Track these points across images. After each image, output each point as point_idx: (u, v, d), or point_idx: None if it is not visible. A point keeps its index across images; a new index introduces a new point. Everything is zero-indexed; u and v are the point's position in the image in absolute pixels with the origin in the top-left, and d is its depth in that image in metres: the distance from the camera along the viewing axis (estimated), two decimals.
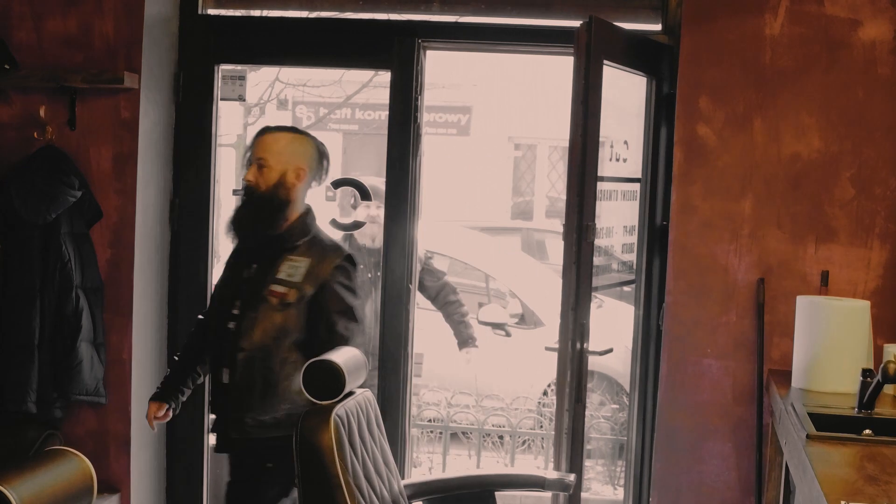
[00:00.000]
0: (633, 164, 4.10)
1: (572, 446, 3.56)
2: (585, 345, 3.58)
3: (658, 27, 4.15)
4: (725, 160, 3.96)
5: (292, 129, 3.51)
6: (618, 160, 4.02)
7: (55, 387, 3.98)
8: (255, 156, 3.40)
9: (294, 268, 3.34)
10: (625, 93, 3.97)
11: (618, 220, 4.04)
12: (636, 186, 4.11)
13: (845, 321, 3.54)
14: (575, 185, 3.55)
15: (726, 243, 3.97)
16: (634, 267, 4.18)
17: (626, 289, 4.57)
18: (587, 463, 6.63)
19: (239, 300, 3.38)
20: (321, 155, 3.45)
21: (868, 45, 3.88)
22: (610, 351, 3.84)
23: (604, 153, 3.82)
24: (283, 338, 3.31)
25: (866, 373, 3.18)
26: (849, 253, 3.91)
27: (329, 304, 3.31)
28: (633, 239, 4.16)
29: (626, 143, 4.06)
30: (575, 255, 3.55)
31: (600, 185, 3.72)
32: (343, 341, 3.24)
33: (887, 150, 3.90)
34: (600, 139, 3.69)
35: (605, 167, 3.84)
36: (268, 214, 3.36)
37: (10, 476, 1.58)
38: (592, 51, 3.53)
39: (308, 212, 3.44)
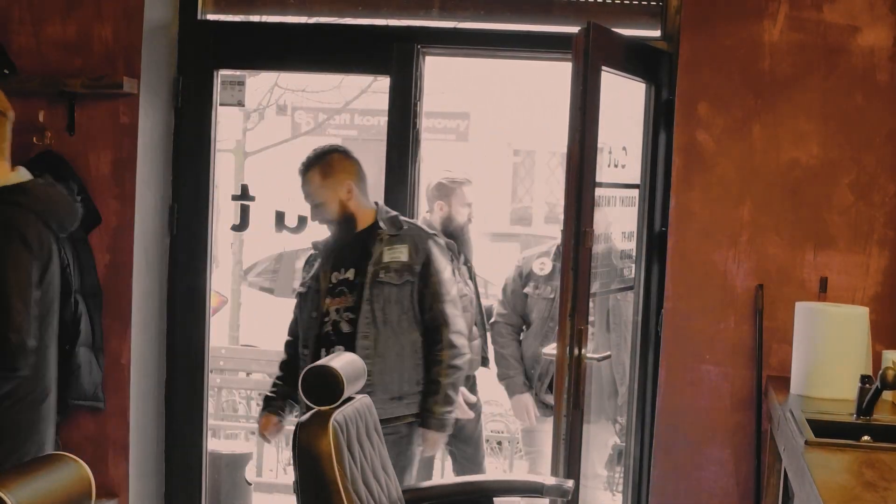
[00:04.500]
0: (632, 170, 4.09)
1: (569, 452, 3.56)
2: (583, 351, 3.58)
3: (657, 33, 4.16)
4: (724, 166, 3.96)
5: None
6: (616, 166, 4.02)
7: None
8: None
9: None
10: (623, 99, 3.97)
11: (616, 226, 4.04)
12: (635, 192, 4.11)
13: (844, 327, 3.54)
14: (573, 192, 3.55)
15: (725, 249, 3.97)
16: (633, 273, 4.17)
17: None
18: None
19: None
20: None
21: (867, 51, 3.88)
22: (608, 357, 3.84)
23: (602, 159, 3.82)
24: None
25: (865, 379, 3.17)
26: (847, 259, 3.91)
27: None
28: (632, 245, 4.16)
29: (624, 149, 4.06)
30: (573, 260, 3.55)
31: (599, 192, 3.72)
32: None
33: (886, 156, 3.90)
34: (599, 145, 3.69)
35: (604, 173, 3.84)
36: None
37: (8, 481, 1.58)
38: (591, 57, 3.53)
39: None
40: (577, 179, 3.54)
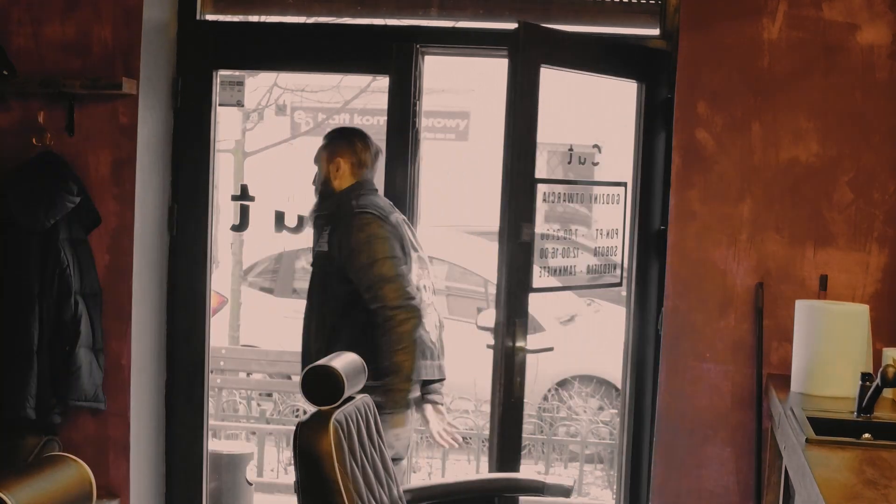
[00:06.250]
0: (606, 167, 4.14)
1: (502, 446, 3.67)
2: (520, 343, 3.68)
3: (656, 32, 4.16)
4: (724, 165, 3.97)
5: None
6: (596, 164, 4.08)
7: (54, 393, 3.97)
8: None
9: None
10: (598, 98, 4.02)
11: (603, 223, 4.08)
12: (619, 190, 4.12)
13: (844, 325, 3.54)
14: (507, 188, 3.72)
15: (725, 248, 3.98)
16: (620, 270, 4.20)
17: (624, 293, 4.58)
18: (586, 468, 6.63)
19: None
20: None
21: (866, 49, 3.88)
22: (550, 349, 3.94)
23: (565, 157, 3.94)
24: None
25: (865, 377, 3.18)
26: (847, 257, 3.92)
27: None
28: (615, 242, 4.16)
29: (596, 146, 4.10)
30: (506, 254, 3.70)
31: (561, 189, 3.83)
32: None
33: (885, 154, 3.90)
34: (582, 143, 3.76)
35: (582, 171, 3.90)
36: None
37: (9, 482, 1.58)
38: (529, 54, 3.68)
39: None
40: (510, 175, 3.74)
